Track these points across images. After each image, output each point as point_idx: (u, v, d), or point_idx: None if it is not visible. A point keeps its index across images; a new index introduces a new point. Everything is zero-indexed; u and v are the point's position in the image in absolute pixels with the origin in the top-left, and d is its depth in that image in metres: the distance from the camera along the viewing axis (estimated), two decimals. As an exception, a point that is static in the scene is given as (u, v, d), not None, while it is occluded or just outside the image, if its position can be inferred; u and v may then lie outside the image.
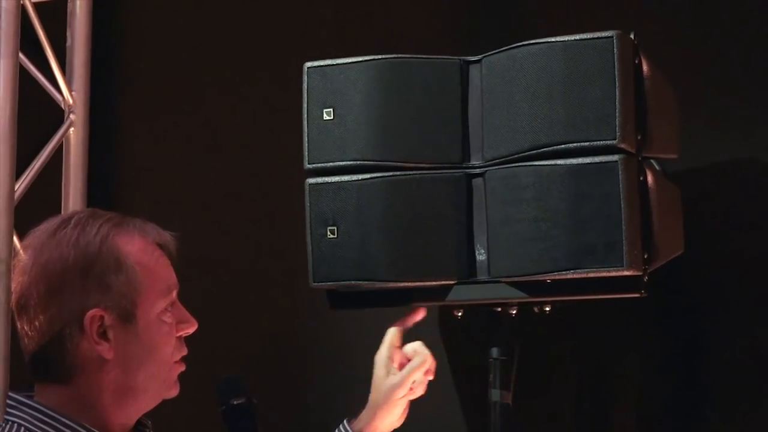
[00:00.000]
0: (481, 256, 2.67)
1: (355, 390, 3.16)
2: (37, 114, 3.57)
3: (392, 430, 2.65)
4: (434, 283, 2.69)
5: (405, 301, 2.75)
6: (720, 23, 3.00)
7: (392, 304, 2.77)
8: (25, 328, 2.03)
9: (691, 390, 2.99)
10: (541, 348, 2.96)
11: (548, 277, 2.57)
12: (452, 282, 2.68)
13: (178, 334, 2.09)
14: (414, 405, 2.65)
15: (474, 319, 2.78)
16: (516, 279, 2.62)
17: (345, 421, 2.64)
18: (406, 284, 2.69)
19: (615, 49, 2.52)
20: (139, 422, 2.13)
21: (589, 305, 2.70)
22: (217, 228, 3.50)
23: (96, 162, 3.65)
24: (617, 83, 2.51)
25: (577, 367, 3.11)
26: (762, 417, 2.90)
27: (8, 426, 2.00)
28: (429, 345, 2.77)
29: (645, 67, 2.60)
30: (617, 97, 2.51)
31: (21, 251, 2.13)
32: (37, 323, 2.01)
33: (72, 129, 3.63)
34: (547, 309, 2.74)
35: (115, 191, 3.68)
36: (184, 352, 2.10)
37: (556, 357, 3.07)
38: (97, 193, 3.62)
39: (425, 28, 3.27)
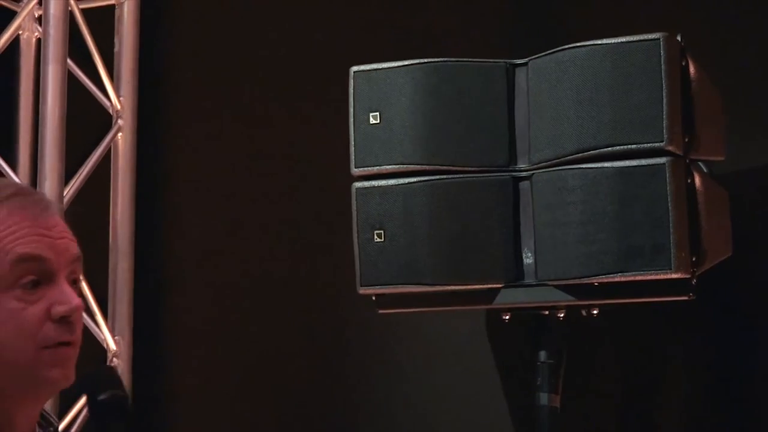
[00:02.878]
0: (528, 259, 2.68)
1: (400, 390, 3.16)
2: (85, 119, 3.58)
3: None
4: (481, 286, 2.69)
5: (452, 303, 2.76)
6: (766, 25, 2.98)
7: (439, 306, 2.78)
8: None
9: (740, 394, 2.98)
10: (589, 351, 2.96)
11: (595, 280, 2.57)
12: (499, 285, 2.69)
13: (54, 316, 1.89)
14: (462, 407, 2.64)
15: (521, 322, 2.78)
16: (563, 282, 2.62)
17: None
18: (452, 288, 2.69)
19: (662, 52, 2.55)
20: (44, 418, 2.00)
21: (637, 308, 2.71)
22: (263, 230, 3.49)
23: (144, 166, 3.66)
24: (664, 85, 2.55)
25: (624, 370, 3.12)
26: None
27: None
28: (476, 348, 2.76)
29: (692, 69, 2.61)
30: (664, 100, 2.54)
31: None
32: None
33: (120, 134, 3.64)
34: (595, 312, 2.73)
35: (163, 195, 3.69)
36: (56, 335, 1.88)
37: (603, 360, 3.07)
38: (145, 197, 3.64)
39: (471, 32, 3.28)
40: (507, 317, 2.78)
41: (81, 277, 1.96)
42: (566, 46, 2.62)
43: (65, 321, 1.88)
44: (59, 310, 1.87)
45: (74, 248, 1.93)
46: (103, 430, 1.93)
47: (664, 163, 2.49)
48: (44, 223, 1.90)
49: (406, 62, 2.72)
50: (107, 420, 1.91)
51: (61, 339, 1.87)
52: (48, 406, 2.92)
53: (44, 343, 1.87)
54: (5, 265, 1.86)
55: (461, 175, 2.68)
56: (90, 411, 1.92)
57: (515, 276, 2.67)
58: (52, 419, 2.01)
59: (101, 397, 1.91)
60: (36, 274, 1.88)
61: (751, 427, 2.95)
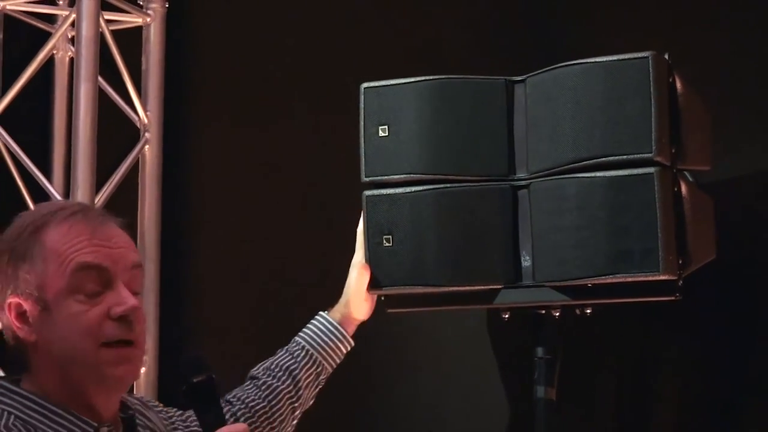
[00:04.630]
0: (526, 262, 2.65)
1: (407, 382, 3.15)
2: (115, 133, 3.58)
3: (359, 321, 2.69)
4: (483, 287, 2.68)
5: (455, 303, 2.74)
6: (749, 41, 2.97)
7: (443, 306, 2.77)
8: None
9: (724, 388, 2.96)
10: (582, 347, 2.94)
11: (589, 282, 2.56)
12: (499, 286, 2.68)
13: (113, 315, 1.95)
14: (464, 398, 2.64)
15: (520, 321, 2.77)
16: (559, 283, 2.61)
17: (321, 312, 2.66)
18: (455, 289, 2.68)
19: (650, 69, 2.50)
20: (125, 406, 2.06)
21: (627, 307, 2.69)
22: (281, 235, 3.49)
23: (169, 176, 3.68)
24: (653, 100, 2.50)
25: (615, 364, 3.09)
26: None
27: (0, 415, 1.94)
28: (478, 344, 2.75)
29: (679, 85, 2.58)
30: (653, 114, 2.50)
31: None
32: None
33: (147, 146, 3.66)
34: (588, 311, 2.71)
35: (187, 203, 3.70)
36: (115, 332, 1.94)
37: (596, 356, 3.05)
38: (170, 205, 3.65)
39: (473, 50, 3.25)
40: (506, 316, 2.75)
41: (140, 289, 2.01)
42: (562, 64, 2.58)
43: (124, 320, 1.95)
44: (117, 310, 1.94)
45: (132, 257, 2.00)
46: (197, 408, 1.99)
47: (652, 173, 2.48)
48: (102, 235, 1.97)
49: (413, 79, 2.69)
50: (201, 399, 1.96)
51: (121, 337, 1.94)
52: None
53: (104, 340, 1.94)
54: (67, 273, 1.94)
55: (464, 184, 2.65)
56: (185, 392, 1.97)
57: (514, 278, 2.66)
58: (129, 403, 2.06)
59: (196, 379, 1.95)
60: (95, 282, 1.95)
61: (736, 419, 2.94)
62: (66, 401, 1.95)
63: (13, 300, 1.96)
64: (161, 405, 2.28)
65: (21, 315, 1.95)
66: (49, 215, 1.99)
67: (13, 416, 1.93)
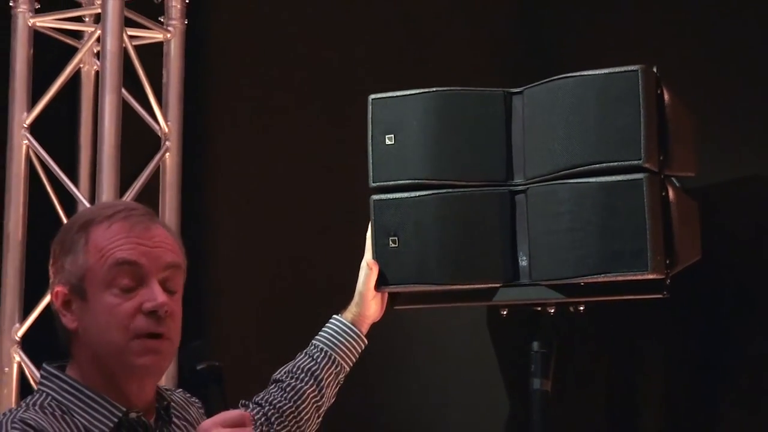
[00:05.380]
0: (523, 262, 2.66)
1: (411, 375, 3.14)
2: (137, 141, 3.59)
3: (373, 320, 2.68)
4: (482, 285, 2.69)
5: (457, 300, 2.75)
6: (732, 56, 2.97)
7: (446, 303, 2.77)
8: None
9: (707, 379, 2.95)
10: (576, 342, 2.94)
11: (582, 280, 2.57)
12: (498, 285, 2.68)
13: (144, 310, 1.95)
14: (465, 390, 2.61)
15: (517, 317, 2.77)
16: (554, 282, 2.61)
17: (335, 315, 2.64)
18: (457, 287, 2.69)
19: (640, 81, 2.51)
20: (161, 397, 2.08)
21: (619, 305, 2.69)
22: (294, 237, 3.50)
23: (188, 182, 3.68)
24: (642, 111, 2.50)
25: (607, 358, 3.08)
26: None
27: (39, 396, 1.99)
28: (478, 340, 2.74)
29: (666, 96, 2.58)
30: (642, 123, 2.50)
31: None
32: None
33: (167, 154, 3.66)
34: (581, 308, 2.72)
35: (205, 207, 3.70)
36: (146, 326, 1.96)
37: (589, 350, 3.05)
38: (189, 208, 3.66)
39: (474, 64, 3.26)
40: (505, 312, 2.75)
41: (177, 288, 2.02)
42: (557, 77, 2.59)
43: (154, 315, 1.96)
44: (148, 305, 1.96)
45: (168, 256, 2.01)
46: (203, 393, 1.98)
47: (641, 179, 2.48)
48: (142, 234, 1.99)
49: (417, 91, 2.69)
50: (206, 385, 1.95)
51: (150, 330, 1.97)
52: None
53: (135, 332, 1.96)
54: (105, 267, 1.96)
55: (465, 189, 2.65)
56: (191, 379, 1.97)
57: (512, 276, 2.66)
58: (165, 394, 2.07)
59: (199, 366, 1.95)
60: (130, 277, 1.97)
61: (716, 407, 2.94)
62: (101, 388, 1.97)
63: (59, 289, 2.00)
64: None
65: (65, 303, 2.00)
66: (96, 213, 2.02)
67: (50, 398, 1.97)
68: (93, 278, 1.96)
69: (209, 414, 1.91)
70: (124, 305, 1.96)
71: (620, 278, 2.52)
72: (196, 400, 2.21)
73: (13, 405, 2.75)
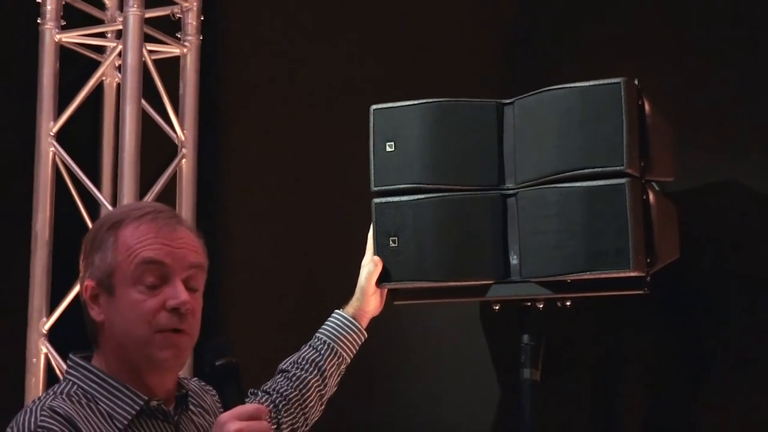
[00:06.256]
0: (514, 260, 2.67)
1: (408, 365, 3.11)
2: (155, 148, 3.61)
3: (372, 315, 2.68)
4: (476, 282, 2.70)
5: (452, 296, 2.76)
6: (708, 70, 2.98)
7: (442, 298, 2.78)
8: None
9: (686, 368, 2.97)
10: (563, 335, 2.94)
11: (569, 278, 2.58)
12: (490, 282, 2.69)
13: (167, 307, 1.96)
14: (459, 380, 2.56)
15: (508, 312, 2.78)
16: (543, 279, 2.63)
17: (337, 310, 2.65)
18: (453, 283, 2.71)
19: (622, 93, 2.53)
20: (181, 387, 2.09)
21: (603, 300, 2.70)
22: (303, 240, 3.52)
23: (203, 186, 3.70)
24: (624, 120, 2.52)
25: (592, 350, 3.09)
26: (742, 399, 2.88)
27: (66, 384, 2.00)
28: (472, 333, 2.71)
29: (647, 107, 2.60)
30: (624, 132, 2.52)
31: None
32: None
33: (184, 160, 3.69)
34: (568, 303, 2.73)
35: (219, 210, 3.71)
36: (168, 322, 1.96)
37: (575, 342, 3.05)
38: (204, 212, 3.68)
39: (469, 77, 3.27)
40: (497, 307, 2.77)
41: (199, 286, 2.02)
42: (546, 88, 2.61)
43: (177, 312, 1.97)
44: (171, 303, 1.97)
45: (192, 257, 2.02)
46: (220, 388, 1.98)
47: (624, 183, 2.50)
48: (168, 235, 1.99)
49: (416, 101, 2.71)
50: (224, 380, 1.95)
51: (172, 326, 1.97)
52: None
53: (158, 327, 1.97)
54: (131, 265, 1.97)
55: (460, 193, 2.67)
56: (209, 374, 1.97)
57: (503, 274, 2.67)
58: (183, 383, 2.08)
59: (218, 362, 1.94)
60: (155, 275, 1.97)
61: (694, 397, 2.95)
62: (125, 378, 1.99)
63: (89, 283, 2.02)
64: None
65: (93, 297, 2.01)
66: (126, 214, 2.04)
67: (76, 386, 2.00)
68: (120, 275, 1.98)
69: (226, 407, 1.91)
70: (149, 302, 1.97)
71: (604, 276, 2.53)
72: (211, 389, 2.23)
73: (41, 393, 2.78)
